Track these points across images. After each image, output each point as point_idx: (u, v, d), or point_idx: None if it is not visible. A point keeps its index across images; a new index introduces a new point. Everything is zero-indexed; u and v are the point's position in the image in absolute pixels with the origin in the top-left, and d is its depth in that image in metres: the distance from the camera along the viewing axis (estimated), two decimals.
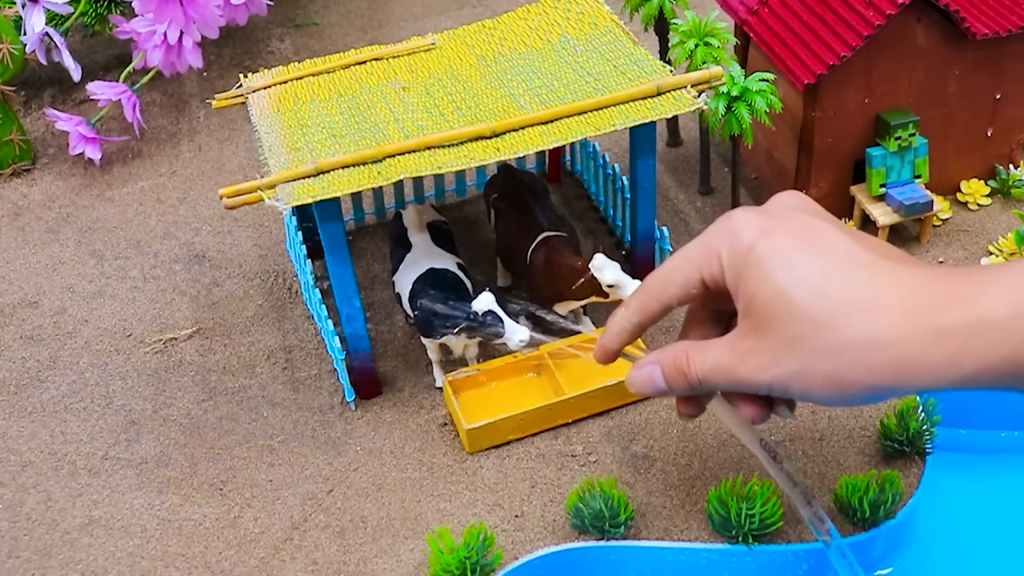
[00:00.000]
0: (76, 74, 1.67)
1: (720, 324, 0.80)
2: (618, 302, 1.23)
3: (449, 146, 1.11)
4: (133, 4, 1.53)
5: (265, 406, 1.26)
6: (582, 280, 1.17)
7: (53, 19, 1.69)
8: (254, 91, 1.25)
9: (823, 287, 0.63)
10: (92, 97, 1.63)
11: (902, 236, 1.40)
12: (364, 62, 1.27)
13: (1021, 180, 1.42)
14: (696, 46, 1.30)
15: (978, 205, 1.44)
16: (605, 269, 1.16)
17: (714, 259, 0.69)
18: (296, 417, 1.24)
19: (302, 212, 1.37)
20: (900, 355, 0.61)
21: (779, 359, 0.65)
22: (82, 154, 1.62)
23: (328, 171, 1.08)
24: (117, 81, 1.65)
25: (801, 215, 0.68)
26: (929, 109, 1.35)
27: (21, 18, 1.62)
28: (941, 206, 1.40)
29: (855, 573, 0.72)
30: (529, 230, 1.26)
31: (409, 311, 1.23)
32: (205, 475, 1.18)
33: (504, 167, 1.35)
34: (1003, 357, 0.60)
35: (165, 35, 1.55)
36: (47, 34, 1.63)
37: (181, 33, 1.55)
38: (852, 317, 0.62)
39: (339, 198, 1.07)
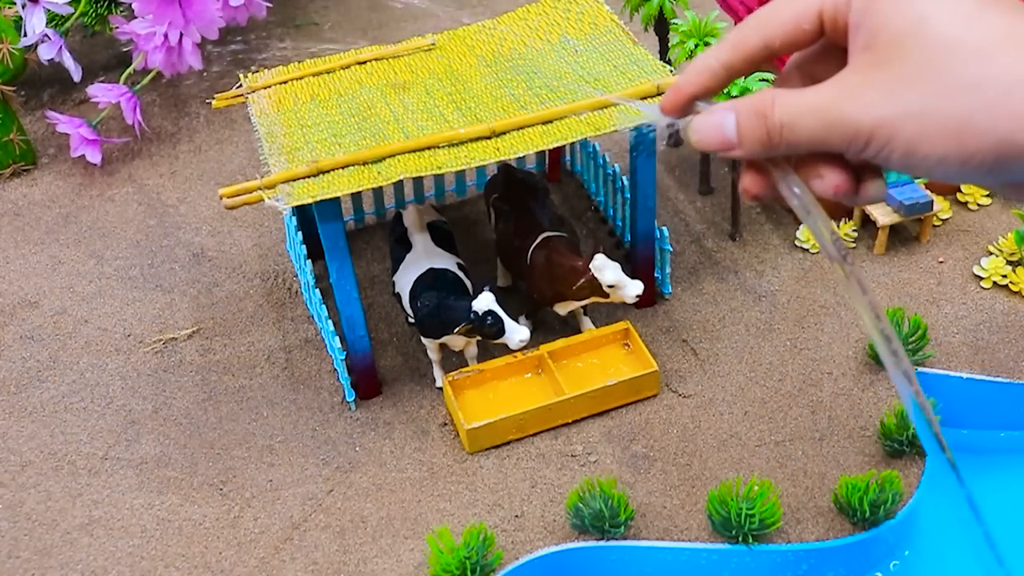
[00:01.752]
0: (76, 75, 1.67)
1: None
2: (618, 303, 1.25)
3: (449, 146, 1.11)
4: (133, 5, 1.53)
5: (265, 406, 1.26)
6: (582, 280, 1.17)
7: (53, 19, 1.69)
8: (254, 91, 1.25)
9: (974, 20, 0.53)
10: (93, 99, 1.63)
11: (902, 236, 1.40)
12: (364, 62, 1.27)
13: None
14: (696, 46, 1.30)
15: (978, 205, 1.43)
16: (605, 269, 1.16)
17: None
18: (296, 417, 1.24)
19: (303, 212, 1.37)
20: None
21: (898, 93, 0.54)
22: (83, 156, 1.62)
23: (328, 171, 1.08)
24: (117, 82, 1.65)
25: None
26: None
27: (21, 18, 1.61)
28: (941, 206, 1.40)
29: (916, 401, 0.60)
30: (529, 230, 1.26)
31: (409, 311, 1.23)
32: (205, 475, 1.18)
33: (504, 167, 1.35)
34: None
35: (165, 36, 1.55)
36: (46, 35, 1.62)
37: (181, 34, 1.55)
38: (1008, 50, 0.53)
39: (339, 198, 1.07)
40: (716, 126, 0.61)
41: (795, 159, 0.61)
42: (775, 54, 0.62)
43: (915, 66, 0.54)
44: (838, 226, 1.39)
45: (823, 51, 0.61)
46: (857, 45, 0.57)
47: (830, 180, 0.60)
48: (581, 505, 1.06)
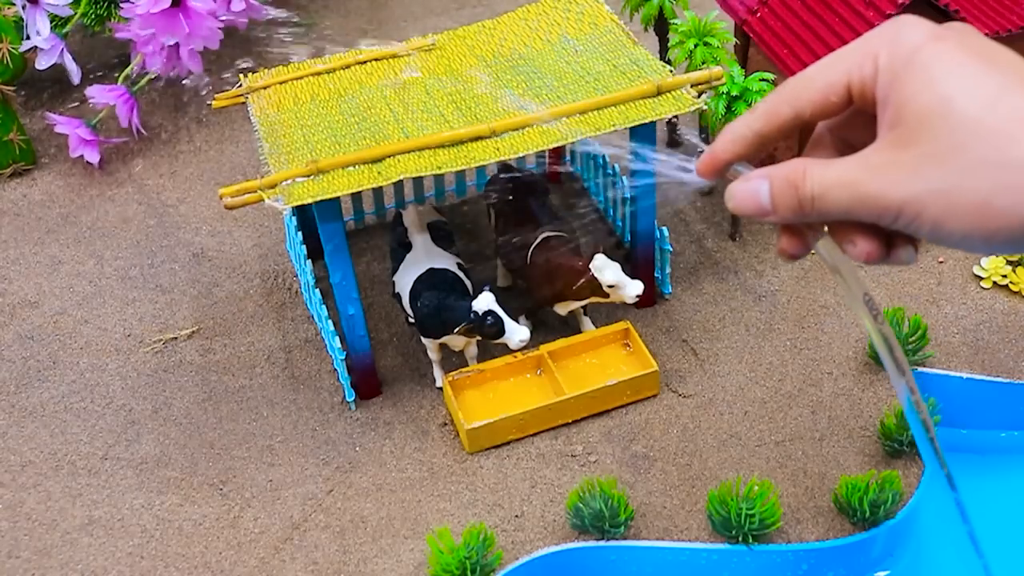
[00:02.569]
0: (76, 76, 1.67)
1: (846, 155, 0.67)
2: (618, 303, 1.25)
3: (449, 146, 1.11)
4: (135, 19, 1.52)
5: (265, 406, 1.26)
6: (582, 280, 1.17)
7: (53, 20, 1.69)
8: (254, 91, 1.25)
9: (998, 101, 0.55)
10: (91, 101, 1.63)
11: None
12: (364, 62, 1.27)
13: None
14: (696, 46, 1.30)
15: None
16: (605, 269, 1.16)
17: (868, 61, 0.60)
18: (296, 417, 1.24)
19: (303, 213, 1.37)
20: None
21: (924, 172, 0.57)
22: (82, 156, 1.62)
23: (328, 171, 1.08)
24: (116, 82, 1.65)
25: (974, 33, 0.60)
26: None
27: (22, 18, 1.61)
28: None
29: (934, 453, 0.64)
30: (529, 230, 1.26)
31: (409, 311, 1.23)
32: (205, 475, 1.18)
33: (504, 167, 1.35)
34: None
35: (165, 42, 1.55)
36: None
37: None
38: None
39: (339, 198, 1.07)
40: (752, 193, 0.65)
41: (829, 222, 0.64)
42: (806, 123, 0.65)
43: (940, 146, 0.56)
44: None
45: (853, 117, 0.64)
46: (885, 120, 0.59)
47: (862, 247, 0.63)
48: (581, 505, 1.06)
